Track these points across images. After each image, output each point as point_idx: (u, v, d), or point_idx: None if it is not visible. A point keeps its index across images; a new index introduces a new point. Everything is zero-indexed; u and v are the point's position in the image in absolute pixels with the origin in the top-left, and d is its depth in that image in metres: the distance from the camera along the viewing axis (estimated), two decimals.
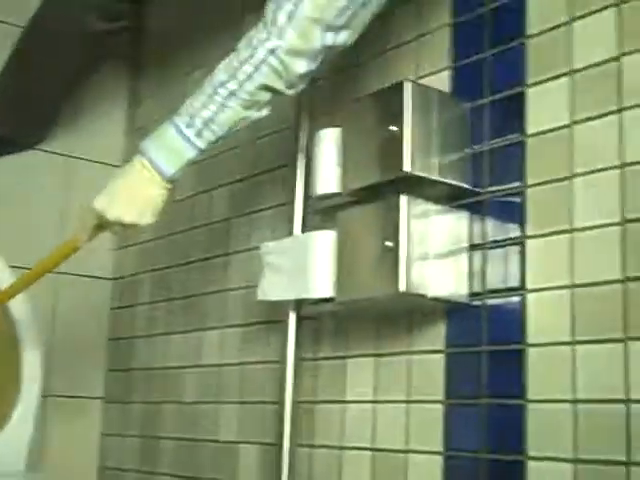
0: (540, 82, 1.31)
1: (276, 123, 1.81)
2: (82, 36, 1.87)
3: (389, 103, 1.40)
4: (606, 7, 1.24)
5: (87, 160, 2.34)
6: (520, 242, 1.30)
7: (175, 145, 1.37)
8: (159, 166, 1.37)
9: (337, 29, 1.32)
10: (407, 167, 1.34)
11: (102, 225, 1.44)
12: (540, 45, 1.33)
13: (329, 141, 1.52)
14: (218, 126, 1.35)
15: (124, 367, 2.27)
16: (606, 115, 1.21)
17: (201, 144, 1.36)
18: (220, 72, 1.35)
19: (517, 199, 1.32)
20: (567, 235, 1.23)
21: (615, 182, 1.18)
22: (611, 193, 1.18)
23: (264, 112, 1.38)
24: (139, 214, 1.41)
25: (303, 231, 1.65)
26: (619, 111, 1.19)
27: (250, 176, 1.90)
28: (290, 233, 1.67)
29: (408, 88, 1.37)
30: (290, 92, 1.36)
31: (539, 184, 1.28)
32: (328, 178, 1.51)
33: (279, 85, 1.34)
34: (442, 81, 1.47)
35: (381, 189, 1.40)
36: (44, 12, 1.87)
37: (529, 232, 1.29)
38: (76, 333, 2.26)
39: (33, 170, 2.25)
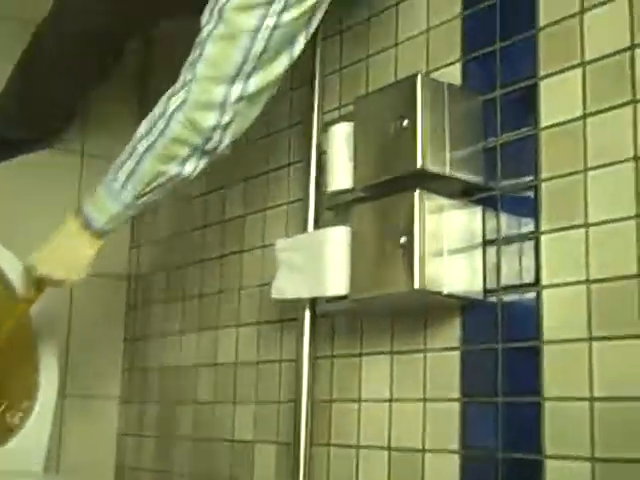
0: (553, 74, 1.29)
1: (288, 119, 1.80)
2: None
3: (401, 97, 1.38)
4: None
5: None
6: (535, 237, 1.28)
7: (102, 199, 1.44)
8: (89, 221, 1.46)
9: (245, 78, 1.33)
10: (420, 163, 1.32)
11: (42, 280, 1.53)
12: (552, 36, 1.31)
13: (341, 136, 1.50)
14: (137, 180, 1.40)
15: (140, 366, 2.27)
16: (620, 107, 1.19)
17: (125, 198, 1.42)
18: (142, 126, 1.40)
19: (531, 193, 1.29)
20: (582, 229, 1.21)
21: (630, 175, 1.16)
22: (626, 186, 1.16)
23: (188, 168, 1.40)
24: (68, 270, 1.50)
25: (317, 227, 1.64)
26: (633, 102, 1.17)
27: (263, 173, 1.89)
28: (304, 230, 1.65)
29: (419, 82, 1.35)
30: (210, 145, 1.38)
31: (553, 178, 1.26)
32: (341, 174, 1.50)
33: (193, 139, 1.36)
34: (453, 74, 1.45)
35: (394, 184, 1.38)
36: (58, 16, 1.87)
37: (543, 227, 1.27)
38: (92, 332, 2.26)
39: (49, 169, 2.26)
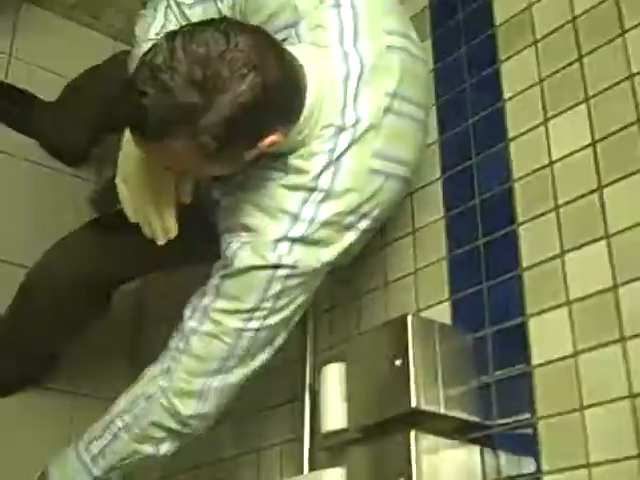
0: (540, 312, 1.33)
1: (282, 358, 1.81)
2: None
3: (392, 337, 1.40)
4: (597, 240, 1.28)
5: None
6: (537, 478, 1.26)
7: (72, 467, 1.44)
8: None
9: (226, 372, 1.38)
10: (414, 402, 1.31)
11: None
12: (536, 276, 1.36)
13: (334, 376, 1.51)
14: (111, 455, 1.41)
15: None
16: (608, 344, 1.21)
17: (96, 471, 1.41)
18: (122, 400, 1.43)
19: (529, 431, 1.29)
20: (584, 470, 1.19)
21: (628, 414, 1.16)
22: (625, 425, 1.16)
23: (162, 450, 1.41)
24: None
25: (312, 468, 1.61)
26: (621, 340, 1.20)
27: (257, 411, 1.88)
28: (299, 471, 1.62)
29: (410, 322, 1.38)
30: (186, 431, 1.40)
31: (550, 416, 1.26)
32: (335, 414, 1.49)
33: (171, 424, 1.39)
34: (443, 313, 1.49)
35: (389, 424, 1.37)
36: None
37: (545, 467, 1.25)
38: None
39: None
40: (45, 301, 1.82)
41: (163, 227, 1.43)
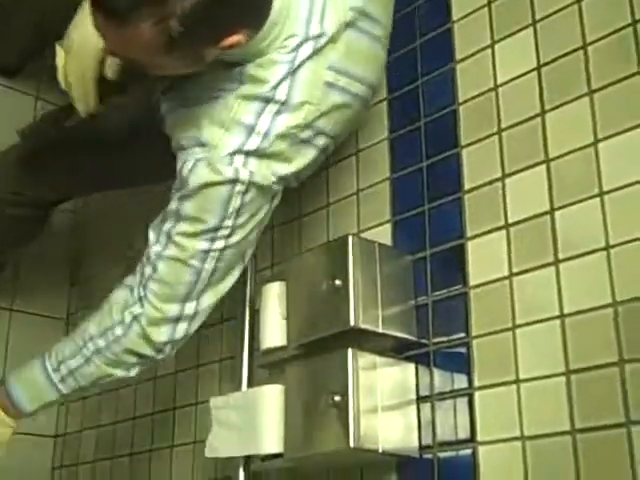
0: (478, 235, 1.35)
1: None
2: None
3: (333, 257, 1.41)
4: (537, 164, 1.29)
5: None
6: (468, 393, 1.30)
7: (39, 386, 1.44)
8: (18, 405, 1.45)
9: (197, 297, 1.37)
10: (353, 321, 1.34)
11: None
12: (477, 198, 1.37)
13: (274, 295, 1.52)
14: (82, 377, 1.42)
15: None
16: (544, 267, 1.24)
17: (63, 389, 1.43)
18: (92, 325, 1.42)
19: (463, 350, 1.32)
20: (514, 386, 1.23)
21: (557, 332, 1.20)
22: (554, 343, 1.20)
23: (132, 372, 1.42)
24: None
25: (250, 385, 1.63)
26: (555, 263, 1.23)
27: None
28: (237, 387, 1.64)
29: (351, 242, 1.39)
30: (160, 356, 1.41)
31: (484, 335, 1.30)
32: (274, 332, 1.50)
33: (146, 350, 1.39)
34: (384, 234, 1.50)
35: (327, 342, 1.40)
36: None
37: (477, 383, 1.29)
38: None
39: None
40: None
41: (85, 101, 1.40)
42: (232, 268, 1.39)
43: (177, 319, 1.37)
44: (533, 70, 1.34)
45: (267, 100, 1.28)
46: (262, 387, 1.51)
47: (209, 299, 1.39)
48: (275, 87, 1.28)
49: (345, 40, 1.32)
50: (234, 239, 1.34)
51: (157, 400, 1.96)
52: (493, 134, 1.37)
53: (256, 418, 1.48)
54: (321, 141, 1.34)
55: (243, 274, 1.68)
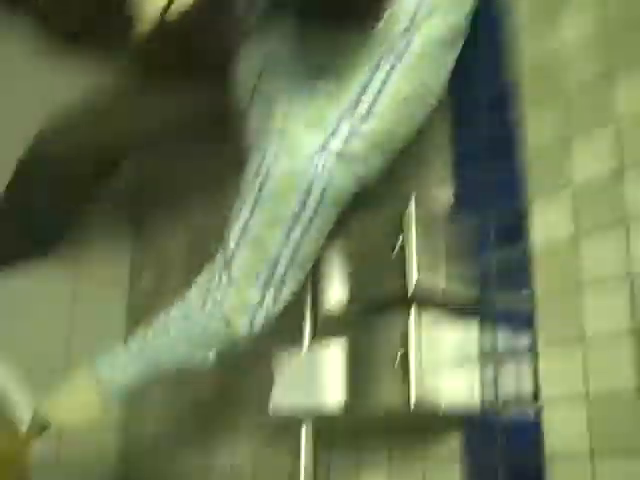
0: (543, 194, 1.33)
1: None
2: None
3: (396, 217, 1.41)
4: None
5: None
6: (532, 351, 1.29)
7: (122, 360, 1.46)
8: (108, 389, 1.46)
9: (278, 287, 1.38)
10: (416, 279, 1.33)
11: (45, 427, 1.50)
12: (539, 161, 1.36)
13: (337, 255, 1.52)
14: (169, 360, 1.44)
15: None
16: (610, 226, 1.22)
17: (144, 367, 1.45)
18: (177, 309, 1.43)
19: (527, 307, 1.31)
20: (578, 344, 1.22)
21: (624, 289, 1.18)
22: (619, 302, 1.18)
23: (211, 356, 1.43)
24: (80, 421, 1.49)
25: (313, 342, 1.64)
26: (623, 221, 1.21)
27: None
28: (301, 344, 1.65)
29: (414, 204, 1.38)
30: (238, 340, 1.41)
31: (549, 292, 1.28)
32: (337, 289, 1.51)
33: (228, 337, 1.40)
34: (448, 194, 1.49)
35: (390, 300, 1.39)
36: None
37: (541, 341, 1.28)
38: None
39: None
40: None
41: None
42: (309, 259, 1.41)
43: (257, 306, 1.39)
44: None
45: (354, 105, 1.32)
46: (325, 343, 1.52)
47: (289, 288, 1.40)
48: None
49: None
50: (311, 232, 1.36)
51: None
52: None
53: (319, 375, 1.49)
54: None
55: None
